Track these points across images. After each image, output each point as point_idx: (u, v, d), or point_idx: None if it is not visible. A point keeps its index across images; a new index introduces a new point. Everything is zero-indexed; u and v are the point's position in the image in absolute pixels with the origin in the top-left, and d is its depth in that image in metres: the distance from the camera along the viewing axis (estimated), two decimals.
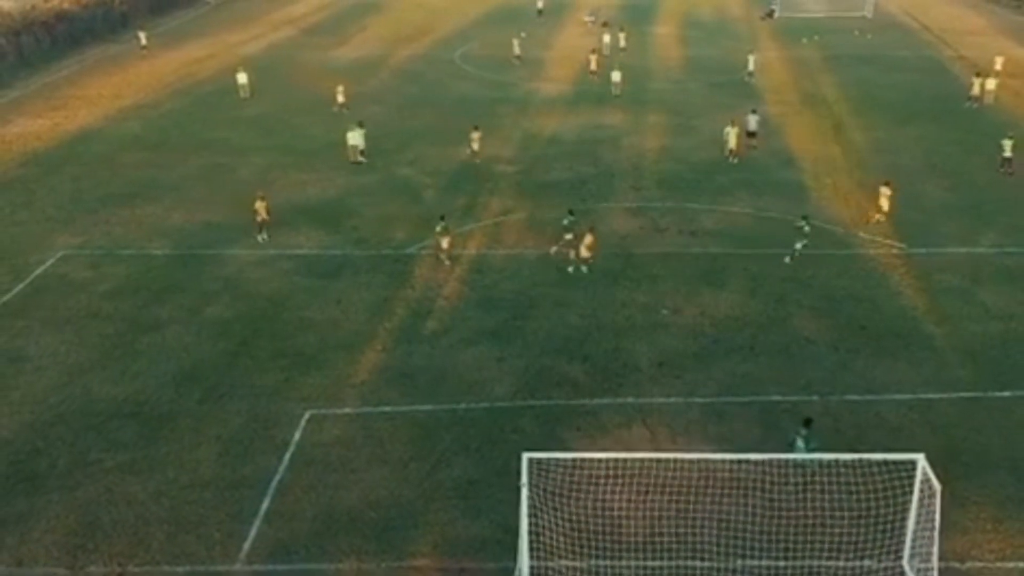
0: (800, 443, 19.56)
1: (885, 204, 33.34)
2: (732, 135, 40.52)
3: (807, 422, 20.10)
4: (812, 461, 19.46)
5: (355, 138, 40.90)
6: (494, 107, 50.04)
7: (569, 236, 30.44)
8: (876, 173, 38.96)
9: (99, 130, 46.67)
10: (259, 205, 32.47)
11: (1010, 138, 38.56)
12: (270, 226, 32.68)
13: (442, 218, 31.08)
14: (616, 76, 52.06)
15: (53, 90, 54.40)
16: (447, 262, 30.42)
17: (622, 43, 62.38)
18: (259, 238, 32.48)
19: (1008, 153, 38.28)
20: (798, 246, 30.39)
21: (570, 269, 29.64)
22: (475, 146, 40.98)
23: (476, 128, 41.25)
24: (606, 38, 62.09)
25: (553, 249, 30.54)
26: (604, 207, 35.63)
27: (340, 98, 48.59)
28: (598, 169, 40.04)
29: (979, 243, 31.53)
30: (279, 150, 43.24)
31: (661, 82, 55.56)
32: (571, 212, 31.39)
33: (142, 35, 64.04)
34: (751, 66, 54.58)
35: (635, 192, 37.33)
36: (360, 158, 40.93)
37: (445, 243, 30.38)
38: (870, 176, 38.70)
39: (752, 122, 42.24)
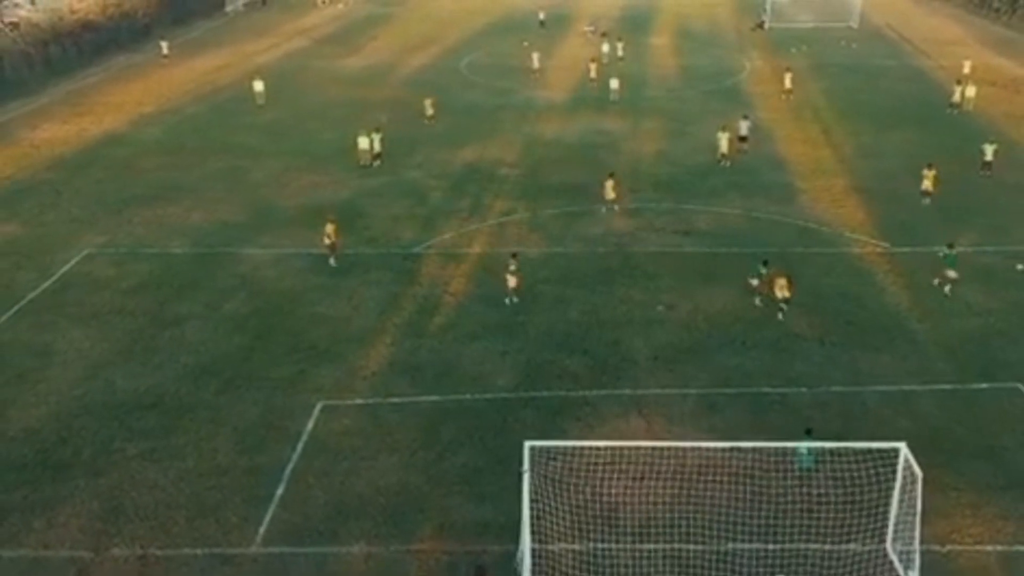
0: (803, 449, 20.01)
1: (928, 185, 35.61)
2: (724, 140, 41.19)
3: (808, 432, 20.55)
4: (809, 456, 19.94)
5: (365, 142, 41.52)
6: (498, 113, 50.81)
7: (755, 282, 28.32)
8: (862, 177, 39.84)
9: (123, 135, 47.57)
10: (328, 228, 31.33)
11: (991, 143, 39.16)
12: (339, 249, 31.60)
13: (514, 256, 29.50)
14: (614, 84, 52.79)
15: (79, 97, 55.29)
16: (514, 299, 28.44)
17: (620, 52, 63.11)
18: (330, 261, 31.33)
19: (989, 157, 38.84)
20: (952, 274, 28.88)
21: (780, 316, 27.48)
22: (611, 195, 35.66)
23: (612, 175, 36.15)
24: (605, 48, 62.91)
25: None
26: (603, 208, 36.25)
27: (429, 111, 48.78)
28: (598, 172, 40.86)
29: (960, 242, 31.73)
30: (293, 154, 43.98)
31: (657, 89, 56.37)
32: (765, 263, 28.63)
33: (164, 44, 65.11)
34: (788, 84, 53.04)
35: (632, 194, 37.89)
36: (371, 161, 41.38)
37: (513, 282, 28.35)
38: (856, 179, 39.54)
39: (743, 127, 43.00)
